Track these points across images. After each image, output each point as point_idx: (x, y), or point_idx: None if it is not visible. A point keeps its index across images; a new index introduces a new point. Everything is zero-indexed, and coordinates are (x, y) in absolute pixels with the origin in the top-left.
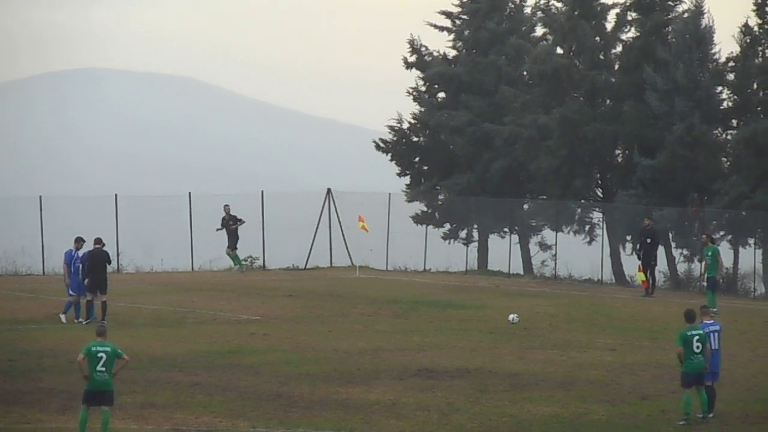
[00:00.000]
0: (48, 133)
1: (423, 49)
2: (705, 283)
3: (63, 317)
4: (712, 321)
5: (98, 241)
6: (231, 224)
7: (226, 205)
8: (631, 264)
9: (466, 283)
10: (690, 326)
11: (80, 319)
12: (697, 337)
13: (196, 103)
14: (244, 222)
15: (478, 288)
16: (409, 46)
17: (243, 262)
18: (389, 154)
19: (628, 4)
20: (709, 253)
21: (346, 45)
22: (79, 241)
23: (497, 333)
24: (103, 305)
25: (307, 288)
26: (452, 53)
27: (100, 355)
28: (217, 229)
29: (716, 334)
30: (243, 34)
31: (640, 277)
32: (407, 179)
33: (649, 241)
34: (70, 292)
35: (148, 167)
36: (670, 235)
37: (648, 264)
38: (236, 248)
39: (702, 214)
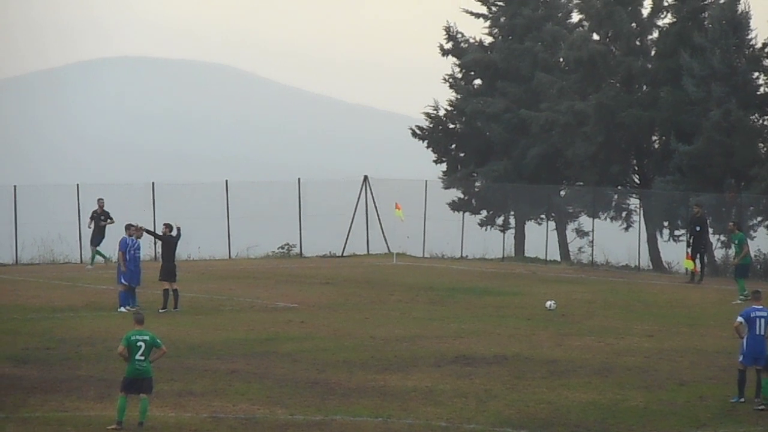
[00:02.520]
0: (77, 124)
1: (459, 35)
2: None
3: (123, 309)
4: (761, 306)
5: (168, 227)
6: (102, 220)
7: (100, 199)
8: (669, 250)
9: (503, 270)
10: None
11: (128, 307)
12: None
13: (231, 90)
14: (113, 222)
15: (515, 275)
16: (445, 32)
17: (96, 260)
18: (426, 141)
19: None
20: (736, 241)
21: (383, 31)
22: (130, 228)
23: (534, 320)
24: (175, 293)
25: (344, 275)
26: (488, 40)
27: (139, 344)
28: (89, 226)
29: (763, 320)
30: (278, 21)
31: (687, 264)
32: (444, 166)
33: (698, 229)
34: (122, 281)
35: (183, 157)
36: (708, 221)
37: (698, 251)
38: (99, 245)
39: (739, 199)
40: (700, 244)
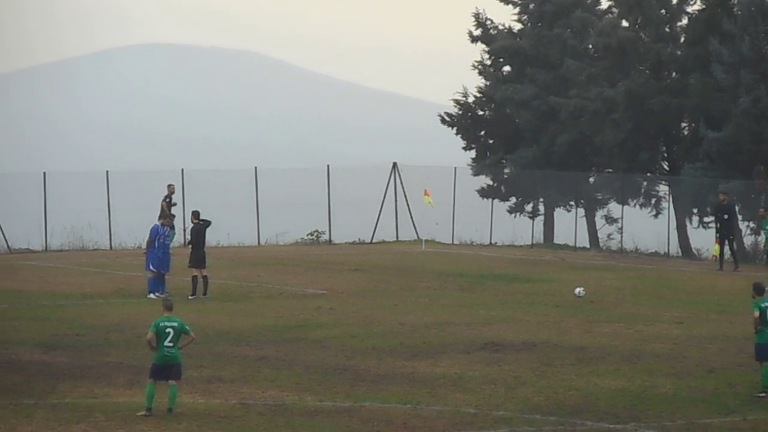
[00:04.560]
0: (105, 112)
1: (488, 22)
2: (766, 257)
3: (152, 296)
4: None
5: (196, 214)
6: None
7: (171, 185)
8: (698, 237)
9: (531, 257)
10: (761, 298)
11: (157, 294)
12: None
13: (260, 77)
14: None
15: (544, 262)
16: (474, 19)
17: None
18: (455, 128)
19: None
20: (767, 227)
21: (411, 18)
22: (165, 217)
23: (563, 306)
24: (205, 280)
25: (373, 262)
26: (517, 26)
27: (168, 330)
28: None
29: None
30: (307, 8)
31: (717, 251)
32: (473, 153)
33: (726, 217)
34: (151, 268)
35: (212, 145)
36: (737, 208)
37: (727, 238)
38: None
39: None
40: (729, 232)
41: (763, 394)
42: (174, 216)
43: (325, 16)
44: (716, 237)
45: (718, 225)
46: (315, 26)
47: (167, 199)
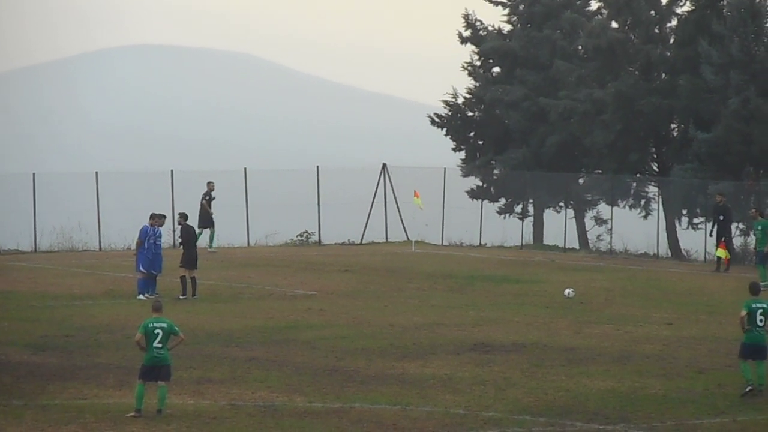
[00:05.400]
0: (94, 113)
1: (478, 23)
2: (755, 258)
3: (142, 297)
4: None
5: (184, 216)
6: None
7: (211, 182)
8: (687, 238)
9: (521, 258)
10: (755, 298)
11: (147, 295)
12: (760, 310)
13: (250, 79)
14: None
15: (534, 263)
16: (463, 20)
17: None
18: (444, 129)
19: None
20: (759, 227)
21: (401, 19)
22: (154, 217)
23: (553, 307)
24: (193, 281)
25: (363, 263)
26: (507, 28)
27: (156, 331)
28: (210, 210)
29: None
30: (300, 11)
31: (719, 253)
32: (462, 154)
33: (722, 218)
34: (141, 269)
35: (202, 146)
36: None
37: (723, 240)
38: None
39: (758, 187)
40: (724, 233)
41: (750, 388)
42: (212, 213)
43: (317, 19)
44: (719, 240)
45: (716, 228)
46: (306, 29)
47: (206, 197)
